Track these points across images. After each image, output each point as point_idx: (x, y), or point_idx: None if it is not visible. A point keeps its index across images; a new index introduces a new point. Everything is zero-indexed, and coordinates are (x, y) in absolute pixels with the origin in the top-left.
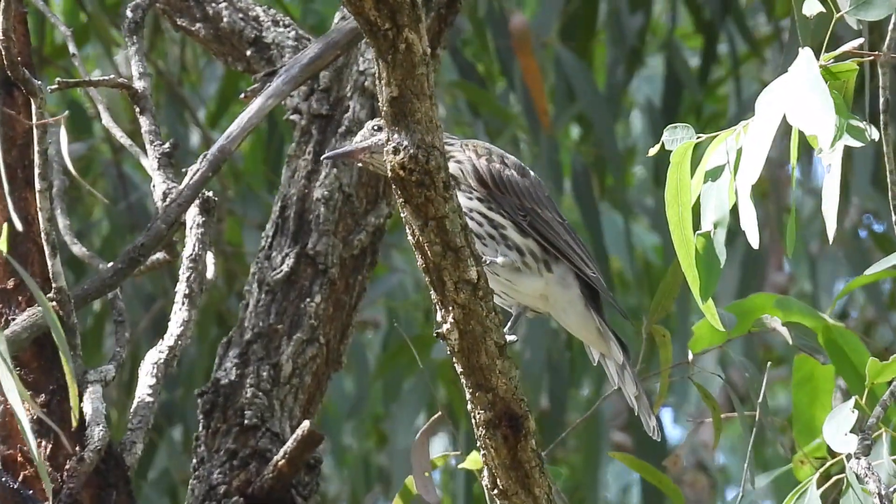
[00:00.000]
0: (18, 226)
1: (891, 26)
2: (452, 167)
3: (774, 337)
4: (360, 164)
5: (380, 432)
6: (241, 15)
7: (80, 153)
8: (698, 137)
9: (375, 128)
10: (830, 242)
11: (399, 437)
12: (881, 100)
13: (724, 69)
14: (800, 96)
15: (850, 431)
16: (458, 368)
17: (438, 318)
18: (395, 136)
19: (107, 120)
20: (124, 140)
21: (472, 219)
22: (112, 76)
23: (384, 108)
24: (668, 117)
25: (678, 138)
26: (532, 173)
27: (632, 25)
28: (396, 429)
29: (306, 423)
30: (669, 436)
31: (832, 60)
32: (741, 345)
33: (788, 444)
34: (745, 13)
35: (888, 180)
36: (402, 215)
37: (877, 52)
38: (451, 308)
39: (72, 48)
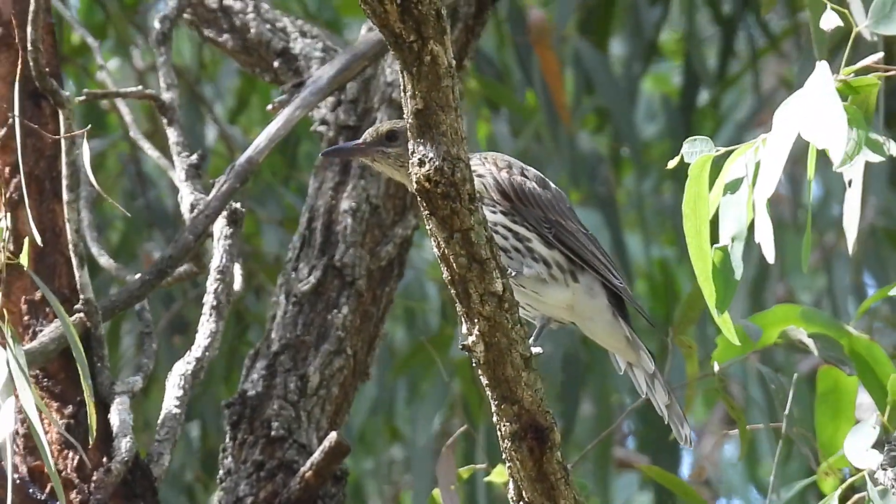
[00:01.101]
0: (39, 241)
1: None
2: (475, 181)
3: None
4: (370, 163)
5: (394, 429)
6: (268, 26)
7: (97, 150)
8: (717, 151)
9: (388, 134)
10: (850, 254)
11: (418, 436)
12: None
13: (742, 63)
14: (814, 111)
15: (873, 447)
16: (484, 381)
17: (464, 330)
18: (421, 148)
19: (134, 132)
20: (152, 152)
21: (496, 232)
22: (140, 87)
23: (409, 120)
24: (686, 113)
25: (697, 151)
26: (553, 185)
27: (650, 19)
28: (415, 428)
29: (333, 435)
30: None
31: (852, 75)
32: (762, 357)
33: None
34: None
35: None
36: (427, 227)
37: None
38: (476, 320)
39: (99, 59)
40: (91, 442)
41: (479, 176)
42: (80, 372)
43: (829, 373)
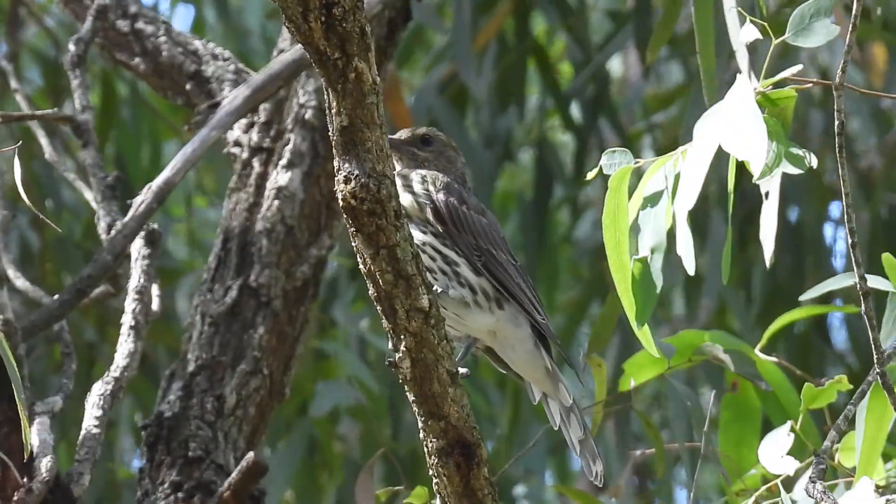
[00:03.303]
0: None
1: (844, 48)
2: (408, 199)
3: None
4: (397, 159)
5: None
6: (180, 49)
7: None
8: (636, 162)
9: (423, 138)
10: (768, 267)
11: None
12: (836, 122)
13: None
14: (733, 123)
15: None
16: (411, 397)
17: (390, 346)
18: (346, 164)
19: (50, 154)
20: (69, 175)
21: (424, 252)
22: (55, 110)
23: (334, 138)
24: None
25: (616, 163)
26: (490, 214)
27: (503, 125)
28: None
29: (250, 455)
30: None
31: (771, 87)
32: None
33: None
34: (618, 110)
35: (843, 203)
36: (353, 245)
37: (815, 80)
38: (403, 336)
39: (13, 83)
40: (26, 457)
41: (415, 194)
42: (14, 386)
43: (732, 399)
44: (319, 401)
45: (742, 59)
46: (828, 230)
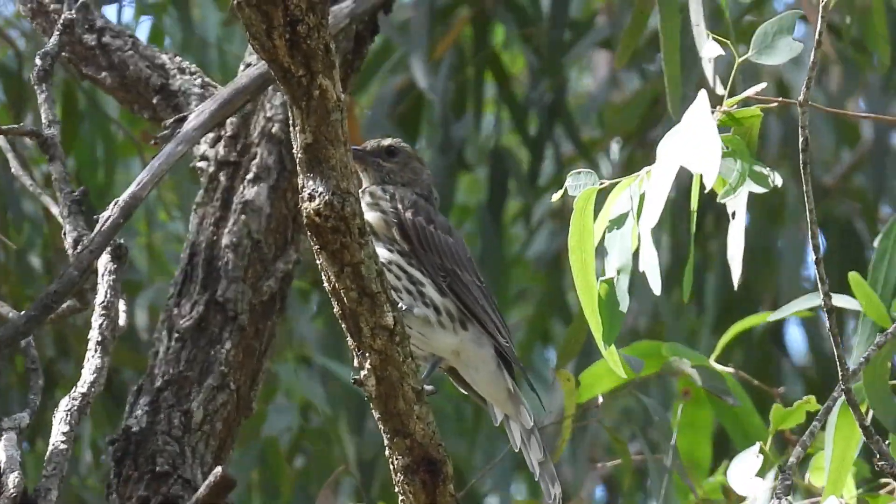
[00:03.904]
0: None
1: (809, 65)
2: (375, 216)
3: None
4: (362, 170)
5: None
6: (146, 63)
7: None
8: (601, 183)
9: (388, 149)
10: (735, 288)
11: None
12: (800, 139)
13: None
14: (691, 140)
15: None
16: (376, 414)
17: (355, 363)
18: (311, 182)
19: (16, 168)
20: (34, 189)
21: (390, 271)
22: (22, 124)
23: (299, 155)
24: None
25: (581, 184)
26: (457, 233)
27: (458, 133)
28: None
29: (218, 469)
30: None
31: (735, 106)
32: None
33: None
34: (574, 118)
35: (808, 219)
36: (317, 262)
37: (780, 99)
38: (367, 354)
39: None
40: None
41: (383, 212)
42: None
43: (687, 406)
44: (270, 422)
45: (709, 73)
46: (780, 235)
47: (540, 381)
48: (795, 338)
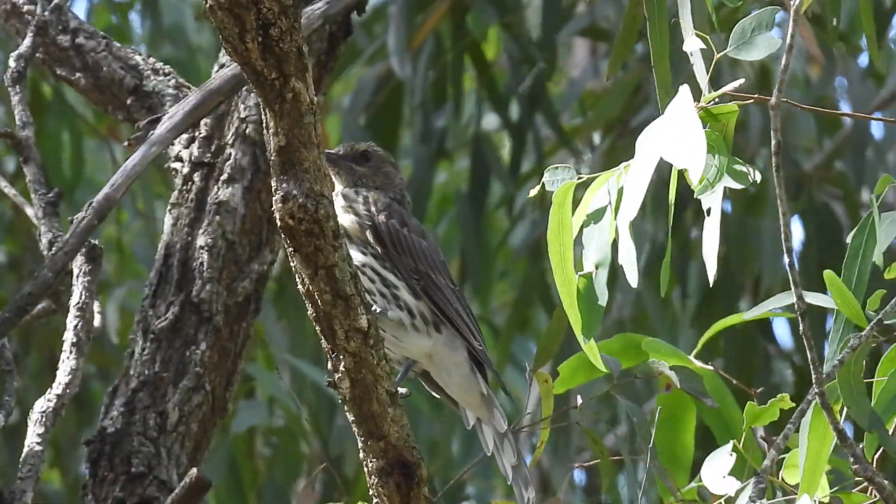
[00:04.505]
0: None
1: (781, 67)
2: (349, 219)
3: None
4: (334, 174)
5: None
6: (120, 64)
7: None
8: (579, 178)
9: (362, 154)
10: (711, 285)
11: None
12: (773, 142)
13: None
14: (674, 133)
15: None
16: (350, 417)
17: (329, 366)
18: (284, 185)
19: None
20: (8, 190)
21: (364, 274)
22: None
23: (272, 158)
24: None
25: (559, 179)
26: (431, 236)
27: (438, 122)
28: None
29: (193, 471)
30: None
31: (713, 102)
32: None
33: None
34: (556, 107)
35: (781, 221)
36: (291, 265)
37: (758, 95)
38: (342, 357)
39: None
40: None
41: (357, 215)
42: None
43: (667, 400)
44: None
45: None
46: (761, 220)
47: (519, 372)
48: (780, 323)
